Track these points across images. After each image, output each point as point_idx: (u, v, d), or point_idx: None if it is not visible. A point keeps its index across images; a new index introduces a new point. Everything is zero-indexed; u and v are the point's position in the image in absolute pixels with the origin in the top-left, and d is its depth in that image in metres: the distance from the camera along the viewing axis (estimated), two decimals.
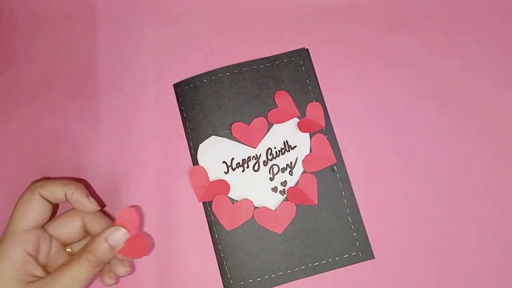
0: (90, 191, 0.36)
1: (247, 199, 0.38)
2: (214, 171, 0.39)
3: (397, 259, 0.37)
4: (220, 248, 0.38)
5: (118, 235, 0.32)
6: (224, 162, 0.39)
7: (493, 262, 0.37)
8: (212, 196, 0.38)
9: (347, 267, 0.37)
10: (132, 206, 0.34)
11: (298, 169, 0.39)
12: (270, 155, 0.39)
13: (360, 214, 0.38)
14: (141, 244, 0.33)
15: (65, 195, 0.33)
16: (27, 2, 0.44)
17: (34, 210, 0.32)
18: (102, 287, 0.35)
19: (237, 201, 0.38)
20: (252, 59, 0.41)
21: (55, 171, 0.40)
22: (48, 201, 0.33)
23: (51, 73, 0.42)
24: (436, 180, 0.39)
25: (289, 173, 0.39)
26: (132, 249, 0.33)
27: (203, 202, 0.39)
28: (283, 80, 0.40)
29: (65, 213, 0.35)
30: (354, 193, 0.38)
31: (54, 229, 0.34)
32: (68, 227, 0.34)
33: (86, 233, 0.35)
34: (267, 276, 0.37)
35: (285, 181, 0.39)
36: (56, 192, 0.33)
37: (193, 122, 0.40)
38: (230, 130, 0.39)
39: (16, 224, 0.32)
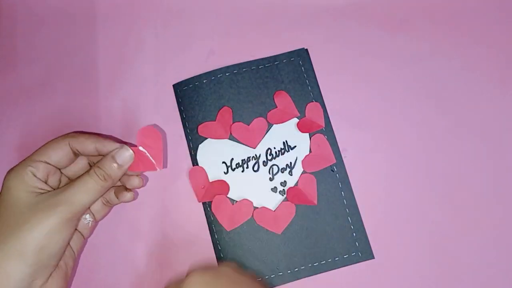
0: None
1: (247, 199, 0.38)
2: (214, 171, 0.39)
3: (397, 259, 0.37)
4: (220, 248, 0.38)
5: (125, 155, 0.33)
6: (223, 162, 0.39)
7: (493, 262, 0.37)
8: (211, 197, 0.38)
9: (347, 267, 0.37)
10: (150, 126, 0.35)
11: (298, 169, 0.39)
12: (269, 155, 0.39)
13: (360, 214, 0.38)
14: (157, 156, 0.34)
15: (96, 149, 0.34)
16: (28, 2, 0.44)
17: (57, 153, 0.33)
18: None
19: (236, 201, 0.38)
20: (251, 59, 0.41)
21: None
22: (77, 152, 0.34)
23: (51, 73, 0.42)
24: (436, 180, 0.39)
25: (289, 173, 0.39)
26: (147, 162, 0.34)
27: (203, 203, 0.39)
28: (282, 81, 0.40)
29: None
30: (354, 193, 0.38)
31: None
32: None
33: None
34: (267, 277, 0.37)
35: (284, 181, 0.39)
36: (86, 144, 0.34)
37: (193, 122, 0.40)
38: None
39: (35, 156, 0.33)
